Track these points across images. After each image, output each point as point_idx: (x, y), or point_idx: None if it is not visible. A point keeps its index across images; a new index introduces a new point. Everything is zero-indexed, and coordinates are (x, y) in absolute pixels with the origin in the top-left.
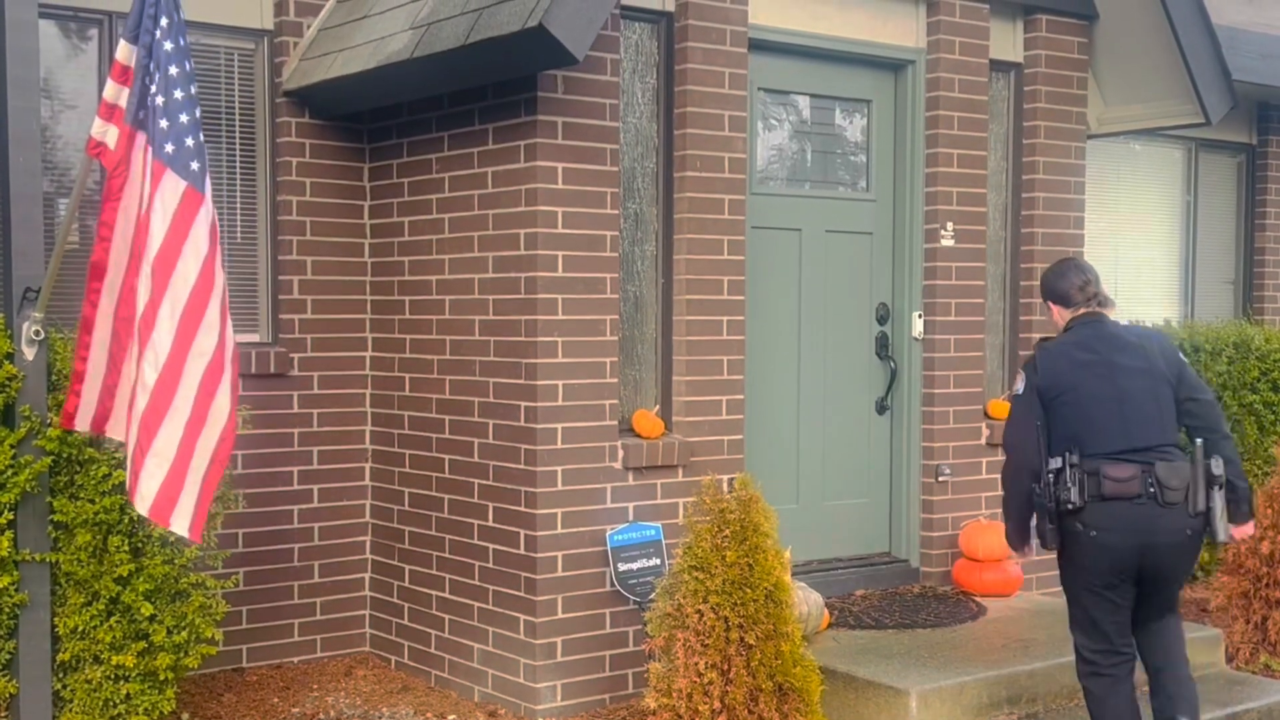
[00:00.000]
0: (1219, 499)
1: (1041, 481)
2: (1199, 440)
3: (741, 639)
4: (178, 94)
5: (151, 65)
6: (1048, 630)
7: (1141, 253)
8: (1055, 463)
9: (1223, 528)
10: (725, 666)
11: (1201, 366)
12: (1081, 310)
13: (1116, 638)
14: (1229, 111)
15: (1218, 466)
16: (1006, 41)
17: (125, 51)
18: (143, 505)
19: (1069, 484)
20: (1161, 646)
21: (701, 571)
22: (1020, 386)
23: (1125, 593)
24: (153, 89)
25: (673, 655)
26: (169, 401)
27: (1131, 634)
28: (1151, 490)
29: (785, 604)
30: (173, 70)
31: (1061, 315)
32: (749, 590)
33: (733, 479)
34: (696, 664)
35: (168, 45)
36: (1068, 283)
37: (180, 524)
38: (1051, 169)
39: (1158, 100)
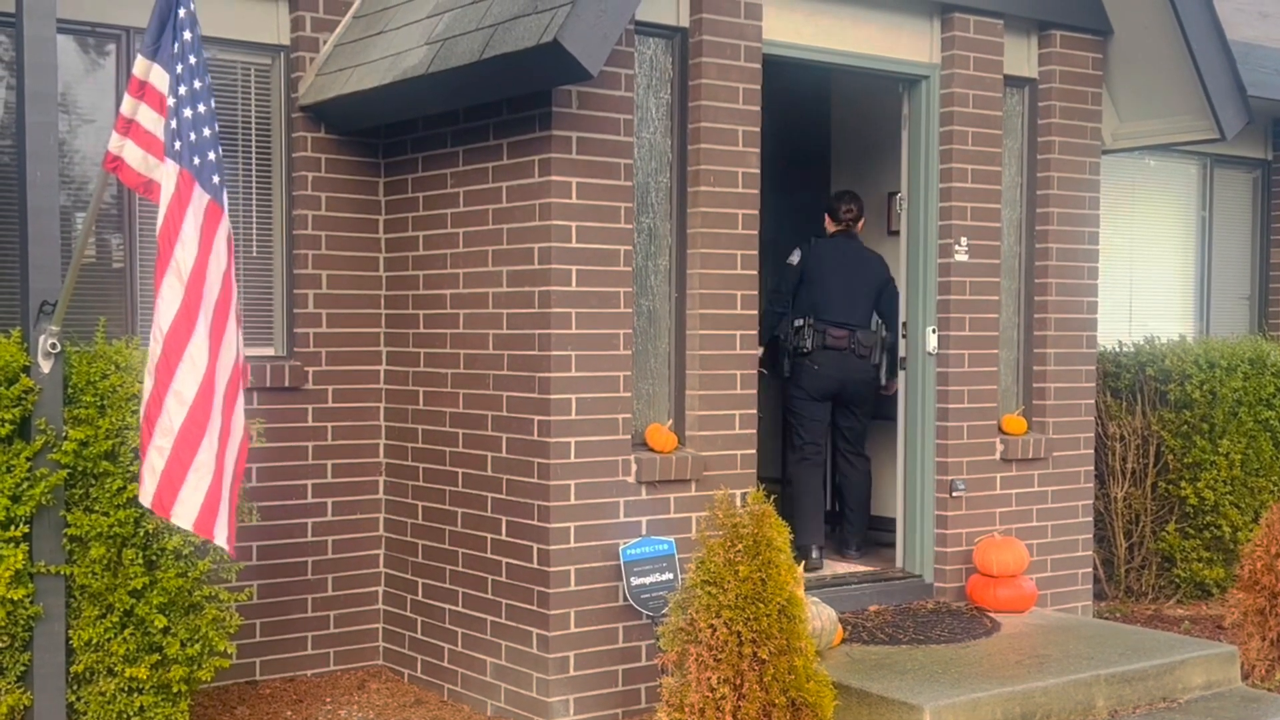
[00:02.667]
0: (885, 359)
1: (786, 333)
2: (881, 322)
3: (754, 654)
4: (200, 108)
5: (174, 81)
6: (1061, 646)
7: (1157, 268)
8: (799, 321)
9: (885, 377)
10: (738, 681)
11: (1217, 383)
12: (843, 226)
13: (820, 438)
14: (1244, 127)
15: (889, 339)
16: (1020, 57)
17: (143, 67)
18: (185, 519)
19: (806, 337)
20: (850, 485)
21: (714, 586)
22: (796, 259)
23: (827, 407)
24: (172, 103)
25: (685, 670)
26: (207, 415)
27: (826, 441)
28: (853, 346)
29: (798, 619)
30: (196, 84)
31: (830, 225)
32: (762, 605)
33: (746, 494)
34: (709, 679)
35: (191, 59)
36: (840, 205)
37: (221, 536)
38: (1066, 184)
39: (1173, 115)
